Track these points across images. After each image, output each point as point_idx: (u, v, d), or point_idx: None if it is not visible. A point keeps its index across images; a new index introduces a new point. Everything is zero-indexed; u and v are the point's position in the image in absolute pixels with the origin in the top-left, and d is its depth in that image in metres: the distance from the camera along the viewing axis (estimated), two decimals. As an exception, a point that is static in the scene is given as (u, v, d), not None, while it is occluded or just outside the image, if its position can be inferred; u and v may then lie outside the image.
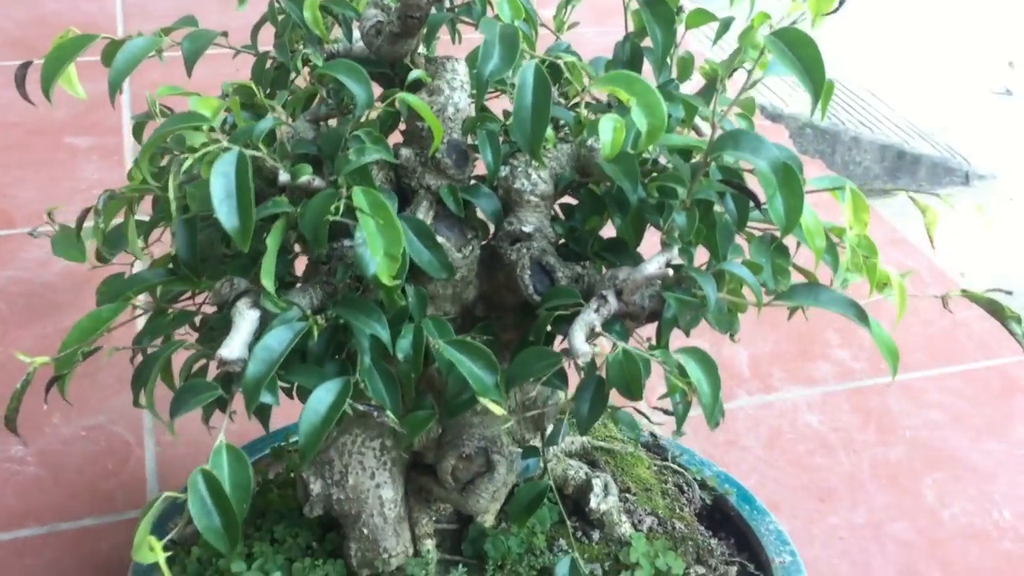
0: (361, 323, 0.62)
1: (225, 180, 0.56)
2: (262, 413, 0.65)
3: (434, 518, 0.80)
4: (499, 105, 0.74)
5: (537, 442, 0.80)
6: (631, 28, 0.74)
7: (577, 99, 0.70)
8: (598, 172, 0.66)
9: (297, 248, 0.70)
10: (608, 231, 0.71)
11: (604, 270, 0.69)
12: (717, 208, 0.62)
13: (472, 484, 0.75)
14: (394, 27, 0.67)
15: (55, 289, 1.38)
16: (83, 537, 1.04)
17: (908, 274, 0.64)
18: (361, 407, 0.62)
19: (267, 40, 0.76)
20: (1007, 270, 1.96)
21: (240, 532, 0.55)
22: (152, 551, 0.53)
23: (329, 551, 0.79)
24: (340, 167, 0.60)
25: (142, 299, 0.70)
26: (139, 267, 0.71)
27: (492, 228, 0.71)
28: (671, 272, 0.61)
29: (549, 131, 0.65)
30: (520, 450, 0.77)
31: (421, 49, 0.72)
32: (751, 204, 0.61)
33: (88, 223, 0.70)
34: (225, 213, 0.56)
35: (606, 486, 0.85)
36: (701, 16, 0.67)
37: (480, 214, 0.71)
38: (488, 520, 0.80)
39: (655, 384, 0.62)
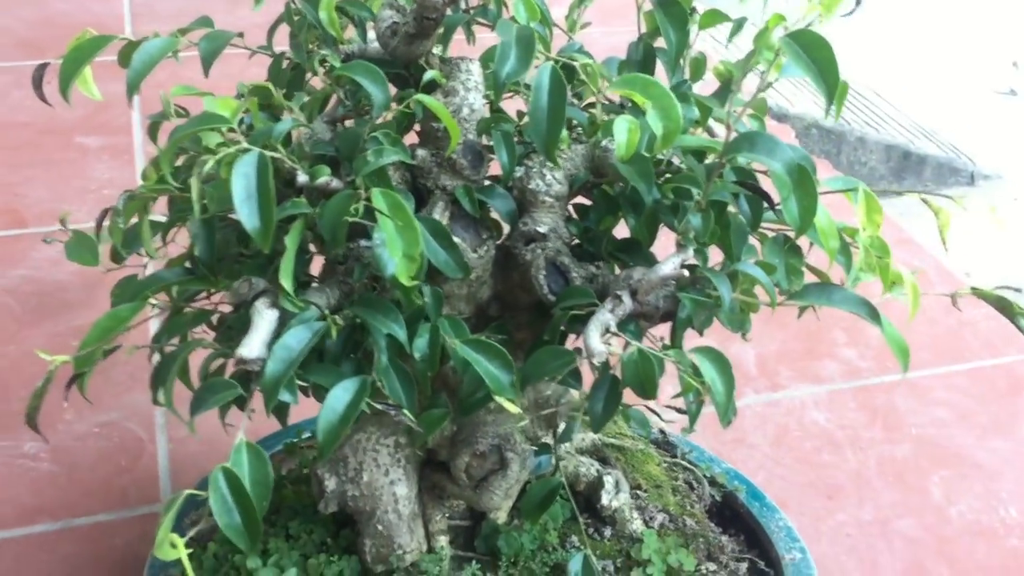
0: (378, 322, 0.63)
1: (246, 181, 0.57)
2: (280, 411, 0.66)
3: (447, 515, 0.80)
4: (512, 106, 0.75)
5: (549, 440, 0.81)
6: (643, 29, 0.74)
7: (592, 100, 0.70)
8: (612, 173, 0.67)
9: (312, 248, 0.71)
10: (621, 231, 0.71)
11: (617, 270, 0.69)
12: (731, 209, 0.63)
13: (485, 481, 0.76)
14: (410, 28, 0.68)
15: (67, 289, 1.39)
16: (97, 533, 1.05)
17: (919, 272, 0.65)
18: (379, 406, 0.62)
19: (278, 41, 0.76)
20: (1013, 270, 1.96)
21: (260, 529, 0.56)
22: (175, 548, 0.54)
23: (344, 547, 0.79)
24: (359, 168, 0.61)
25: (158, 299, 0.70)
26: (152, 268, 0.71)
27: (507, 228, 0.72)
28: (686, 272, 0.62)
29: (563, 132, 0.66)
30: (533, 447, 0.78)
31: (435, 50, 0.73)
32: (765, 205, 0.62)
33: (106, 223, 0.70)
34: (246, 214, 0.56)
35: (617, 483, 0.85)
36: (714, 17, 0.68)
37: (495, 214, 0.71)
38: (501, 517, 0.81)
39: (665, 383, 0.62)
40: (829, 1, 0.59)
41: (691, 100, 0.67)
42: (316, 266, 0.73)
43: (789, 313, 0.70)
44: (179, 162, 0.70)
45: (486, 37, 0.72)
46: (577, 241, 0.71)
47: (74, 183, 1.66)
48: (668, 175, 0.65)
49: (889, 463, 1.19)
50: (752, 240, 0.65)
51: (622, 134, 0.61)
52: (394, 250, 0.57)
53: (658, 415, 0.87)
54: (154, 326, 0.71)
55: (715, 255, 0.65)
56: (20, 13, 2.27)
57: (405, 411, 0.64)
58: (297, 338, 0.60)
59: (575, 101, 0.74)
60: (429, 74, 0.68)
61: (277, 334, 0.61)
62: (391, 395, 0.64)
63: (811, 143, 2.34)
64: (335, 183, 0.63)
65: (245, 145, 0.58)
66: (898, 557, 1.07)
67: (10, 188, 1.64)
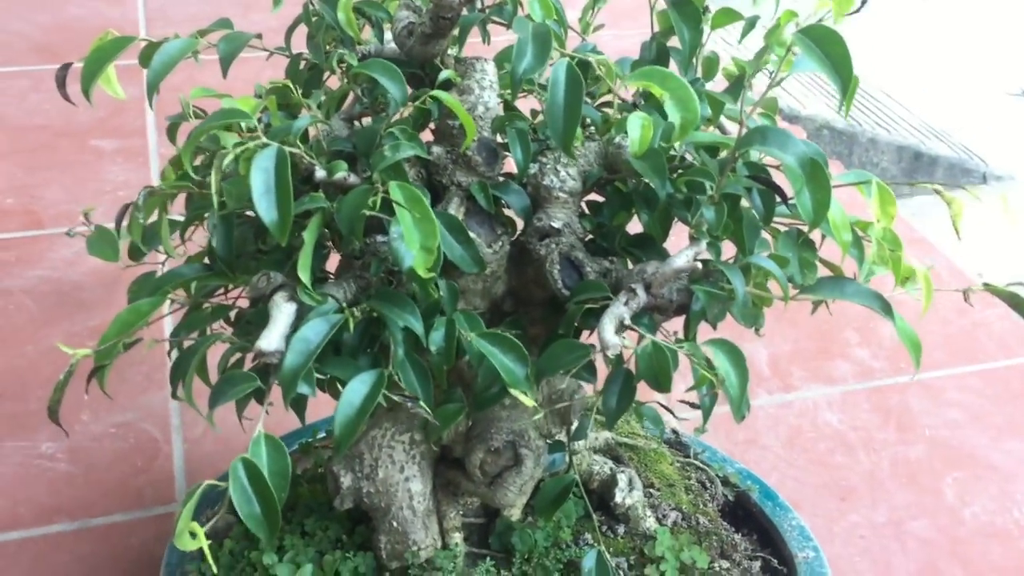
0: (395, 316, 0.64)
1: (265, 175, 0.57)
2: (298, 404, 0.66)
3: (462, 512, 0.81)
4: (526, 105, 0.76)
5: (563, 437, 0.81)
6: (656, 28, 0.75)
7: (607, 98, 0.71)
8: (626, 169, 0.68)
9: (329, 244, 0.72)
10: (634, 227, 0.72)
11: (631, 265, 0.70)
12: (744, 203, 0.64)
13: (500, 478, 0.76)
14: (426, 28, 0.68)
15: (84, 288, 1.40)
16: (113, 532, 1.06)
17: (932, 267, 0.65)
18: (396, 398, 0.63)
19: (295, 43, 0.77)
20: (1025, 271, 1.96)
21: (279, 519, 0.57)
22: (194, 538, 0.54)
23: (359, 544, 0.80)
24: (376, 163, 0.61)
25: (176, 295, 0.71)
26: (170, 266, 0.72)
27: (521, 224, 0.72)
28: (699, 266, 0.63)
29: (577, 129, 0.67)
30: (547, 444, 0.78)
31: (451, 51, 0.73)
32: (778, 199, 0.62)
33: (126, 220, 0.71)
34: (265, 207, 0.57)
35: (631, 481, 0.86)
36: (728, 16, 0.69)
37: (509, 211, 0.72)
38: (515, 514, 0.81)
39: (678, 380, 0.62)
40: (840, 1, 0.60)
41: (704, 97, 0.67)
42: (332, 264, 0.74)
43: (802, 312, 0.71)
44: (197, 161, 0.71)
45: (500, 39, 0.73)
46: (591, 237, 0.72)
47: (89, 185, 1.68)
48: (680, 170, 0.66)
49: (903, 464, 1.19)
50: (765, 234, 0.66)
51: (636, 130, 0.62)
52: (411, 242, 0.58)
53: (671, 412, 0.88)
54: (169, 325, 0.72)
55: (728, 249, 0.66)
56: (35, 18, 2.29)
57: (422, 403, 0.64)
58: (315, 331, 0.61)
59: (588, 100, 0.75)
60: (445, 73, 0.69)
61: (295, 327, 0.61)
62: (407, 388, 0.65)
63: (823, 144, 2.34)
64: (352, 178, 0.64)
65: (264, 140, 0.58)
66: (912, 558, 1.06)
67: (27, 190, 1.66)
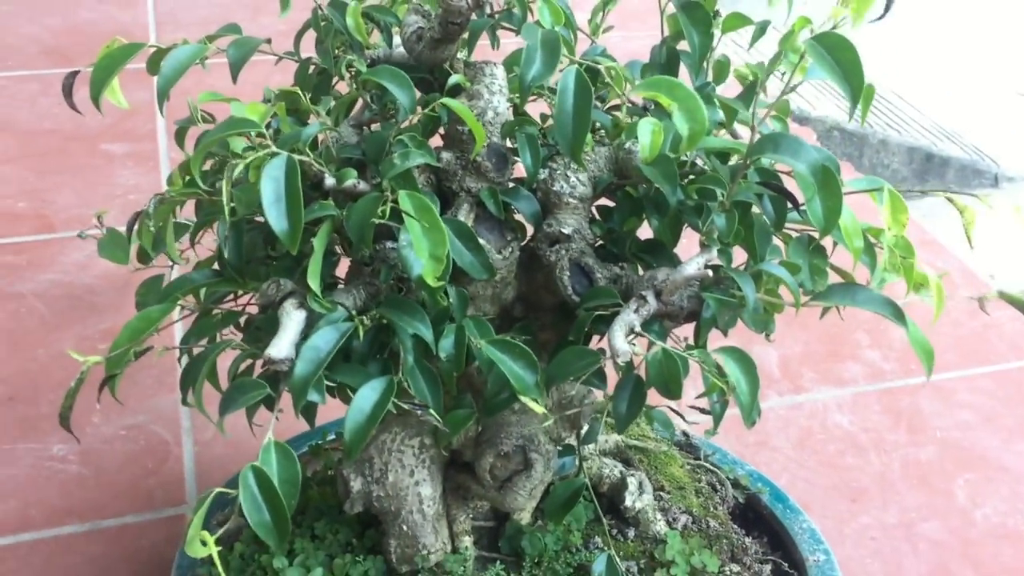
0: (405, 323, 0.64)
1: (275, 184, 0.57)
2: (308, 412, 0.67)
3: (471, 515, 0.81)
4: (535, 110, 0.76)
5: (573, 441, 0.81)
6: (666, 32, 0.75)
7: (617, 102, 0.70)
8: (636, 174, 0.67)
9: (339, 251, 0.72)
10: (645, 233, 0.72)
11: (641, 271, 0.70)
12: (755, 210, 0.63)
13: (510, 482, 0.76)
14: (435, 33, 0.68)
15: (95, 292, 1.41)
16: (124, 534, 1.06)
17: (944, 275, 0.65)
18: (406, 405, 0.63)
19: (303, 47, 0.77)
20: (1037, 272, 1.95)
21: (289, 526, 0.57)
22: (205, 546, 0.55)
23: (369, 547, 0.80)
24: (385, 171, 0.62)
25: (186, 302, 0.71)
26: (178, 271, 0.72)
27: (531, 230, 0.72)
28: (710, 273, 0.62)
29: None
30: (557, 448, 0.78)
31: (460, 55, 0.73)
32: (789, 206, 0.62)
33: (137, 226, 0.71)
34: (275, 216, 0.57)
35: (641, 484, 0.85)
36: (737, 20, 0.68)
37: (519, 216, 0.72)
38: (525, 517, 0.81)
39: (688, 385, 0.62)
40: (859, 5, 0.59)
41: (715, 102, 0.67)
42: (342, 270, 0.74)
43: (812, 315, 0.70)
44: (206, 167, 0.71)
45: (509, 42, 0.73)
46: (601, 242, 0.72)
47: (100, 189, 1.69)
48: (691, 176, 0.65)
49: (914, 466, 1.18)
50: (776, 241, 0.66)
51: (646, 136, 0.62)
52: (420, 251, 0.58)
53: (682, 416, 0.88)
54: (179, 331, 0.72)
55: (739, 256, 0.66)
56: (46, 22, 2.30)
57: (431, 410, 0.64)
58: (325, 339, 0.61)
59: (598, 104, 0.75)
60: (454, 78, 0.69)
61: (305, 335, 0.62)
62: (417, 395, 0.65)
63: (833, 146, 2.33)
64: (362, 186, 0.64)
65: (274, 149, 0.59)
66: (923, 560, 1.06)
67: (38, 194, 1.66)
